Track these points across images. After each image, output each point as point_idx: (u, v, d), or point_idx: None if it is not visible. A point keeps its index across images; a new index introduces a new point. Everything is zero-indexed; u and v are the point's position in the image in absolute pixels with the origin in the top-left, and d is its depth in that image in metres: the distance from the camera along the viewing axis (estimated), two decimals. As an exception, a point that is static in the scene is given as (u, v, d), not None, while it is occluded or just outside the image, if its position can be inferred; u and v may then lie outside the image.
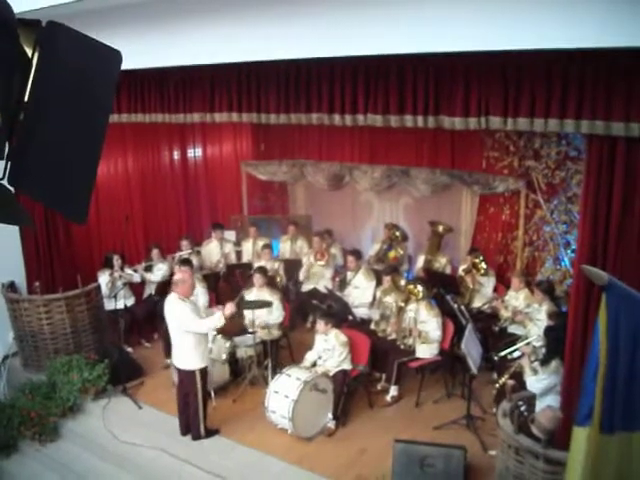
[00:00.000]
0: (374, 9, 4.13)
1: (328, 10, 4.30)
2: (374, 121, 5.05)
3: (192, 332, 5.98)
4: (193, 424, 6.31)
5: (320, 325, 6.75)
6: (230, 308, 6.07)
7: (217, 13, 4.74)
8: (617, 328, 3.19)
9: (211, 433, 6.39)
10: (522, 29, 3.67)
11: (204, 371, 6.17)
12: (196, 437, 6.33)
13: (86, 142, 1.40)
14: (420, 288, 7.21)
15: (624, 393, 3.23)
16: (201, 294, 7.87)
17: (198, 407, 6.20)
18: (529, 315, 6.94)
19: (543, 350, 5.56)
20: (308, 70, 5.23)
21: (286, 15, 4.47)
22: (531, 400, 5.16)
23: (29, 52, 1.31)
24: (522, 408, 5.09)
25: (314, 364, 6.81)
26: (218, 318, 6.01)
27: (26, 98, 1.30)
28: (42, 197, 1.40)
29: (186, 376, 6.16)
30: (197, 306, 6.54)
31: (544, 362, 5.36)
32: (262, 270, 7.88)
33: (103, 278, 8.31)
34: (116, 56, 1.49)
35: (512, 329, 7.20)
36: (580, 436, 3.35)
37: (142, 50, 5.17)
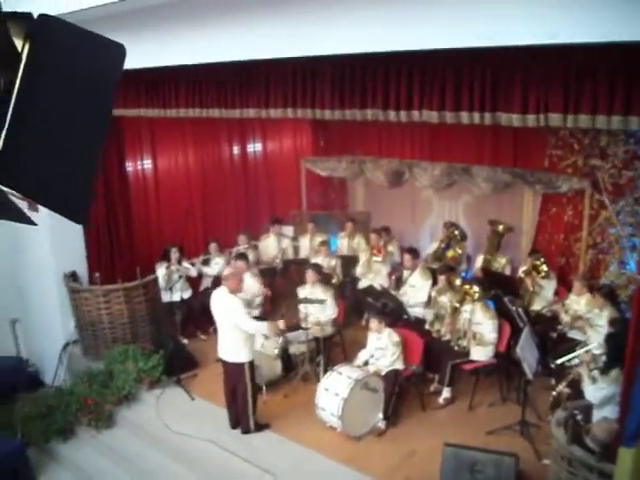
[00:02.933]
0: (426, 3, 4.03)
1: (382, 5, 4.21)
2: (429, 117, 4.94)
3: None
4: (242, 418, 6.35)
5: (373, 323, 6.68)
6: (282, 325, 6.25)
7: (266, 10, 4.71)
8: None
9: (261, 427, 6.41)
10: (583, 23, 3.50)
11: (252, 364, 6.20)
12: (246, 431, 6.37)
13: (84, 140, 1.36)
14: (476, 289, 7.02)
15: None
16: (252, 283, 8.10)
17: (247, 401, 6.22)
18: (589, 321, 6.67)
19: (603, 358, 5.32)
20: (363, 66, 5.15)
21: (337, 10, 4.41)
22: (588, 410, 4.94)
23: (19, 46, 1.29)
24: (578, 418, 4.89)
25: (366, 363, 6.75)
26: (265, 327, 6.15)
27: (14, 95, 1.28)
28: (37, 197, 1.38)
29: (234, 369, 6.19)
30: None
31: (604, 371, 5.13)
32: (315, 267, 7.87)
33: (160, 270, 8.47)
34: (119, 50, 1.43)
35: (572, 334, 6.94)
36: (626, 457, 3.12)
37: (194, 49, 5.22)
